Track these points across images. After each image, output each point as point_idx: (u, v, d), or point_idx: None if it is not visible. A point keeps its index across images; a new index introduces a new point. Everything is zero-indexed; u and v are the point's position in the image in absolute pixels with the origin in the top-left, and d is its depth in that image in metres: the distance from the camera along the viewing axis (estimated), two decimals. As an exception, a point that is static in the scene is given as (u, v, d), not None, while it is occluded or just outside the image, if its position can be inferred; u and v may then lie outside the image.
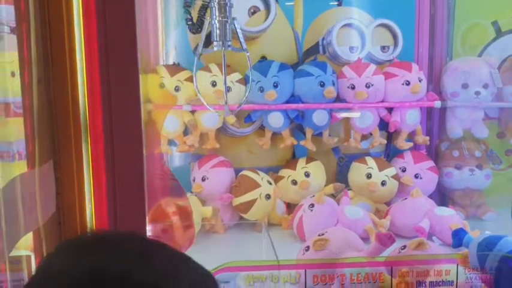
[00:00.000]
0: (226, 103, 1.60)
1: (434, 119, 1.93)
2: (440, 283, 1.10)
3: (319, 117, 1.80)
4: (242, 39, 1.53)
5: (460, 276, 1.11)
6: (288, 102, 1.78)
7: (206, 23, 1.50)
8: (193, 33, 1.77)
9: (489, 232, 1.47)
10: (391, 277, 1.10)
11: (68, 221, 1.00)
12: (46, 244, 0.96)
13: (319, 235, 1.28)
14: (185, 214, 1.13)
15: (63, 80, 0.97)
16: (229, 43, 1.49)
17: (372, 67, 1.78)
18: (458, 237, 1.31)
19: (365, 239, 1.56)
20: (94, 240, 0.59)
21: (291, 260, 1.17)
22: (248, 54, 1.54)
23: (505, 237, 1.17)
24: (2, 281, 1.02)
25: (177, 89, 1.72)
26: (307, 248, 1.25)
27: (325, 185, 1.84)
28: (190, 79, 1.73)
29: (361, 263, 1.11)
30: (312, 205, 1.62)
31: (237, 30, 1.51)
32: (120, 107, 0.97)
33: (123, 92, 0.97)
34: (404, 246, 1.23)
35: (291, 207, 1.83)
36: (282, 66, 1.77)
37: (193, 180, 1.78)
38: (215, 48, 1.47)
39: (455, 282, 1.09)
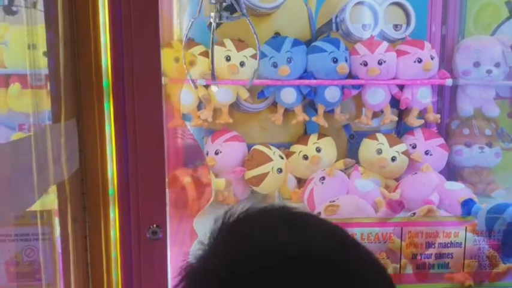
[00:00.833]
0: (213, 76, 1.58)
1: (445, 98, 1.95)
2: (449, 244, 1.13)
3: (332, 94, 1.82)
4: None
5: (468, 240, 1.14)
6: (300, 78, 1.81)
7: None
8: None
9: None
10: (401, 238, 1.13)
11: (91, 177, 1.04)
12: (70, 199, 1.01)
13: (330, 202, 1.31)
14: (203, 173, 1.17)
15: (87, 42, 1.01)
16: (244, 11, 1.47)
17: (385, 44, 1.80)
18: (467, 207, 1.34)
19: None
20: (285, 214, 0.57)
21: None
22: (248, 18, 1.50)
23: (514, 205, 1.20)
24: (28, 234, 1.07)
25: (191, 63, 1.75)
26: (319, 214, 1.28)
27: (336, 161, 1.87)
28: (204, 54, 1.77)
29: (371, 223, 1.14)
30: (323, 178, 1.66)
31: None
32: (142, 67, 1.00)
33: (144, 54, 1.01)
34: (414, 213, 1.26)
35: (301, 182, 1.86)
36: (296, 42, 1.79)
37: (207, 154, 1.81)
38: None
39: (463, 244, 1.12)
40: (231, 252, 0.52)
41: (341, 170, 1.85)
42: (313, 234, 0.54)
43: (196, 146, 1.18)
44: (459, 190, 1.61)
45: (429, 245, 1.13)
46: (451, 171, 1.92)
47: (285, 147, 1.92)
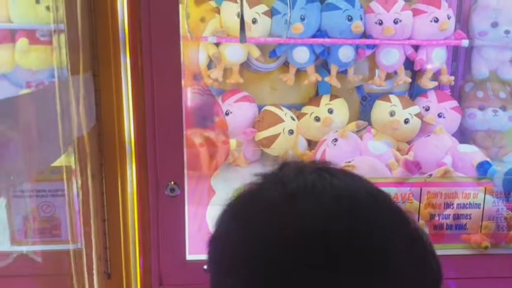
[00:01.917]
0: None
1: (460, 59, 1.91)
2: (467, 205, 1.12)
3: (345, 53, 1.78)
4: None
5: (487, 202, 1.13)
6: (314, 36, 1.76)
7: None
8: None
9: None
10: (420, 199, 1.12)
11: (107, 133, 1.02)
12: (90, 155, 0.99)
13: (346, 162, 1.30)
14: (222, 129, 1.15)
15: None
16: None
17: (401, 3, 1.75)
18: (483, 169, 1.33)
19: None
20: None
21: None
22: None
23: (532, 167, 1.19)
24: (45, 190, 1.06)
25: (202, 19, 1.70)
26: (334, 175, 1.27)
27: (348, 123, 1.84)
28: (216, 10, 1.72)
29: (388, 183, 1.13)
30: (336, 140, 1.64)
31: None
32: (159, 22, 0.97)
33: (162, 7, 0.97)
34: (431, 175, 1.24)
35: (312, 144, 1.85)
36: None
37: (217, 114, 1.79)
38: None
39: (482, 206, 1.12)
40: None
41: (353, 132, 1.83)
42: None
43: (214, 103, 1.16)
44: (472, 153, 1.59)
45: (447, 205, 1.13)
46: (464, 135, 1.90)
47: (296, 109, 1.90)
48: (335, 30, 1.74)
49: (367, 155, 1.60)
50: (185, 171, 0.98)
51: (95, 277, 1.04)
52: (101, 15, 0.97)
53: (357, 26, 1.72)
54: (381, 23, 1.73)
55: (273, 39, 1.77)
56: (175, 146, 0.98)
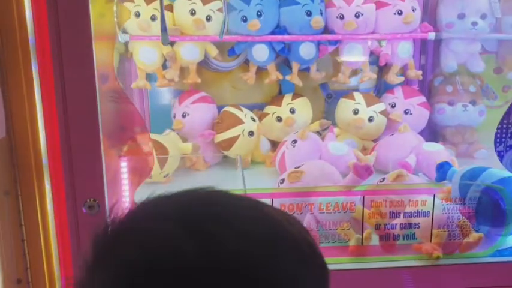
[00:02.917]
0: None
1: (428, 53, 1.83)
2: (415, 214, 1.05)
3: (306, 50, 1.70)
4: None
5: (437, 208, 1.06)
6: (273, 33, 1.68)
7: None
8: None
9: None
10: (363, 207, 1.05)
11: (21, 147, 0.94)
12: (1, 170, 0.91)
13: (295, 167, 1.23)
14: (143, 141, 1.07)
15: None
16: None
17: (363, -5, 1.67)
18: (443, 171, 1.26)
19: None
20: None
21: (259, 189, 1.12)
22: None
23: (489, 169, 1.11)
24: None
25: (153, 18, 1.62)
26: (282, 181, 1.19)
27: (312, 122, 1.77)
28: (168, 7, 1.63)
29: (334, 192, 1.05)
30: (295, 141, 1.56)
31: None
32: (69, 27, 0.89)
33: (71, 12, 0.89)
34: (383, 179, 1.17)
35: (276, 145, 1.77)
36: (266, -6, 1.65)
37: (174, 117, 1.71)
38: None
39: (431, 213, 1.04)
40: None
41: (318, 132, 1.76)
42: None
43: (133, 111, 1.08)
44: (438, 151, 1.52)
45: (394, 214, 1.05)
46: (433, 131, 1.83)
47: (258, 109, 1.82)
48: (294, 26, 1.66)
49: (327, 157, 1.53)
50: (105, 186, 0.90)
51: (14, 301, 0.96)
52: (5, 16, 0.88)
53: (317, 21, 1.64)
54: (342, 17, 1.65)
55: (230, 36, 1.69)
56: (92, 159, 0.90)
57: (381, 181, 1.17)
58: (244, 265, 0.42)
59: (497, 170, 1.12)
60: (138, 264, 0.42)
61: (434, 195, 1.06)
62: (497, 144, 1.00)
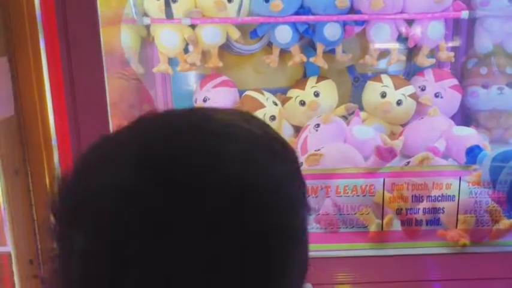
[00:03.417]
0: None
1: (462, 33, 1.73)
2: (439, 198, 0.98)
3: (331, 31, 1.64)
4: None
5: (464, 192, 0.99)
6: (296, 14, 1.63)
7: None
8: None
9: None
10: (383, 190, 0.99)
11: (29, 125, 0.93)
12: (12, 149, 0.90)
13: (315, 150, 1.18)
14: None
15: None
16: None
17: (391, -28, 1.59)
18: (473, 154, 1.18)
19: (375, 161, 1.45)
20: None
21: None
22: None
23: (524, 152, 1.03)
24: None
25: (173, 0, 1.59)
26: (301, 165, 1.14)
27: (337, 107, 1.71)
28: (188, -11, 1.60)
29: (354, 174, 1.00)
30: (318, 125, 1.51)
31: None
32: (75, 5, 0.86)
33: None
34: (408, 162, 1.11)
35: (299, 130, 1.72)
36: (289, -27, 1.60)
37: (195, 102, 1.68)
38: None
39: (457, 197, 0.97)
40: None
41: (344, 116, 1.70)
42: None
43: (142, 88, 1.05)
44: (469, 136, 1.44)
45: (417, 198, 0.99)
46: (466, 116, 1.74)
47: (281, 93, 1.77)
48: (318, 6, 1.60)
49: (352, 141, 1.47)
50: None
51: (26, 282, 0.96)
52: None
53: (342, 0, 1.57)
54: (368, -5, 1.58)
55: (252, 18, 1.64)
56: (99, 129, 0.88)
57: (405, 165, 1.10)
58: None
59: (532, 153, 1.04)
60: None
61: (460, 178, 0.99)
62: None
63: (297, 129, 1.72)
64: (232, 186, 0.41)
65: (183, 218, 0.39)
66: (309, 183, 1.06)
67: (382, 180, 1.03)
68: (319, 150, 1.18)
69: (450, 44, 1.73)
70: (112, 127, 0.87)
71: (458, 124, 1.69)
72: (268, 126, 0.49)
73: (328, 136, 1.48)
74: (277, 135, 0.49)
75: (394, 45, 1.67)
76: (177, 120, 0.46)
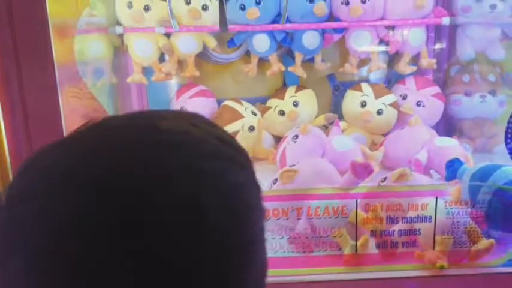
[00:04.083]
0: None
1: (444, 40, 1.70)
2: (415, 219, 0.94)
3: (310, 39, 1.60)
4: None
5: (441, 212, 0.95)
6: (274, 22, 1.58)
7: None
8: None
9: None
10: (356, 210, 0.95)
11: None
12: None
13: (289, 167, 1.13)
14: None
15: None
16: None
17: (370, -22, 1.55)
18: (453, 169, 1.14)
19: (355, 173, 1.41)
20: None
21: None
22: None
23: (503, 167, 0.99)
24: None
25: (146, 8, 1.54)
26: (275, 181, 1.10)
27: (317, 116, 1.67)
28: (163, -3, 1.55)
29: (329, 194, 0.95)
30: (296, 136, 1.46)
31: None
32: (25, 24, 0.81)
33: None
34: (385, 178, 1.06)
35: (279, 140, 1.67)
36: (266, -20, 1.55)
37: (172, 112, 1.63)
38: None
39: (433, 218, 0.93)
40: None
41: (324, 126, 1.66)
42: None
43: (98, 107, 1.00)
44: (451, 147, 1.40)
45: (392, 220, 0.95)
46: (449, 124, 1.70)
47: (261, 102, 1.73)
48: (296, 14, 1.56)
49: (331, 153, 1.43)
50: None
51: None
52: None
53: (320, 8, 1.53)
54: (347, 3, 1.54)
55: (229, 26, 1.59)
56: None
57: (382, 181, 1.06)
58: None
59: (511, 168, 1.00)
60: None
61: (436, 198, 0.95)
62: (509, 140, 0.88)
63: (277, 139, 1.67)
64: (184, 209, 0.38)
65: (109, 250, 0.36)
66: (280, 204, 1.02)
67: (355, 200, 0.98)
68: (293, 166, 1.13)
69: (432, 49, 1.69)
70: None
71: (441, 133, 1.66)
72: (218, 128, 0.48)
73: (306, 148, 1.44)
74: (230, 139, 0.47)
75: (375, 53, 1.63)
76: (116, 132, 0.42)
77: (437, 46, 1.71)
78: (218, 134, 0.46)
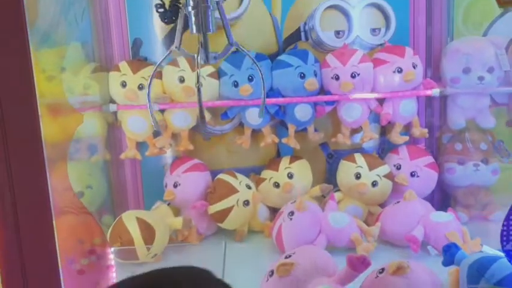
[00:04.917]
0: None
1: (435, 109, 1.72)
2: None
3: (302, 112, 1.62)
4: (229, 30, 1.27)
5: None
6: (266, 96, 1.60)
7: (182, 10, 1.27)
8: (166, 23, 1.57)
9: (487, 249, 1.30)
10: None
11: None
12: None
13: (285, 257, 1.12)
14: (103, 254, 0.98)
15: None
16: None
17: (359, 54, 1.58)
18: (450, 254, 1.13)
19: (352, 249, 1.40)
20: None
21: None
22: (239, 47, 1.26)
23: (500, 259, 0.99)
24: None
25: (140, 87, 1.56)
26: (271, 273, 1.09)
27: (312, 186, 1.67)
28: (157, 75, 1.57)
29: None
30: (292, 213, 1.46)
31: (223, 17, 1.26)
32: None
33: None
34: (383, 270, 1.05)
35: (275, 212, 1.66)
36: (258, 57, 1.58)
37: (165, 186, 1.63)
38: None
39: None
40: None
41: (319, 196, 1.65)
42: None
43: (91, 221, 0.99)
44: (447, 223, 1.40)
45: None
46: (443, 193, 1.70)
47: (255, 173, 1.73)
48: (288, 88, 1.59)
49: (328, 230, 1.42)
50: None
51: None
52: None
53: (310, 83, 1.56)
54: (337, 78, 1.56)
55: (222, 102, 1.62)
56: (48, 277, 0.81)
57: (379, 272, 1.05)
58: None
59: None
60: None
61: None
62: (505, 243, 0.87)
63: (273, 211, 1.66)
64: None
65: None
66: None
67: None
68: (290, 256, 1.12)
69: (424, 118, 1.71)
70: (61, 266, 0.81)
71: (436, 201, 1.66)
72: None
73: (303, 226, 1.43)
74: None
75: (366, 123, 1.65)
76: None
77: (429, 115, 1.73)
78: None
